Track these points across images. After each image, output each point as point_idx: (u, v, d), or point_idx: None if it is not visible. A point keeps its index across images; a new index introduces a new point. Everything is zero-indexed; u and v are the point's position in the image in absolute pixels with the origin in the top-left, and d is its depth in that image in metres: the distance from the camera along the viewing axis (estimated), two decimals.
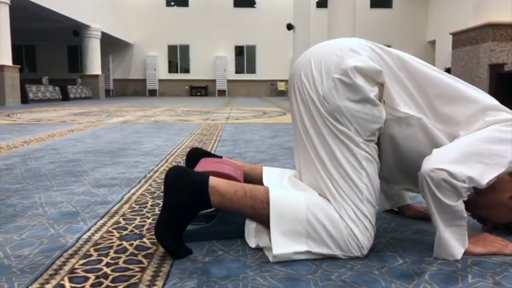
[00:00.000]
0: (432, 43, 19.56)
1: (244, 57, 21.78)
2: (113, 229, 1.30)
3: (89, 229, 1.29)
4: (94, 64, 16.33)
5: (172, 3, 21.53)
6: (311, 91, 1.12)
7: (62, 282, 0.93)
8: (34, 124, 5.13)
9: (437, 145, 1.12)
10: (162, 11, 21.23)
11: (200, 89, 21.33)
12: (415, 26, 20.30)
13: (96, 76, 16.40)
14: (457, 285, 0.92)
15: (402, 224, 1.36)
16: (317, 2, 19.65)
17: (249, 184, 1.15)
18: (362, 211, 1.06)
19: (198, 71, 21.49)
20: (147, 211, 1.48)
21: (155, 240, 1.15)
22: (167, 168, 2.26)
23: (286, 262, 1.04)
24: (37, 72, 19.48)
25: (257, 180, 1.31)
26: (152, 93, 21.22)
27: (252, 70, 21.77)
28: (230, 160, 1.37)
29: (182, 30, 21.00)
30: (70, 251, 1.11)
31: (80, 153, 2.81)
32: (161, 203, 1.32)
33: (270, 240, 1.06)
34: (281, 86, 20.75)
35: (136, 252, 1.11)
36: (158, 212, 1.43)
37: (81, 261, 1.04)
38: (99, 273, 0.97)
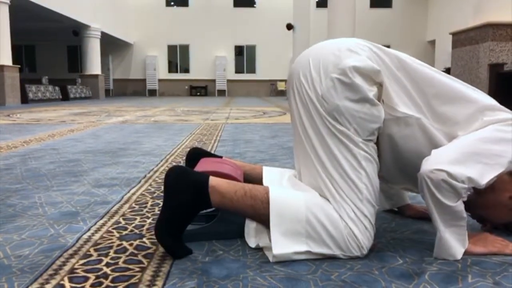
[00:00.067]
0: (432, 43, 19.56)
1: (244, 57, 21.78)
2: (113, 229, 1.30)
3: (89, 229, 1.29)
4: (94, 64, 16.33)
5: (172, 3, 21.52)
6: (309, 91, 1.12)
7: (62, 282, 0.93)
8: (34, 124, 5.13)
9: (436, 145, 1.12)
10: (162, 11, 21.23)
11: (200, 89, 21.32)
12: (415, 26, 20.30)
13: (96, 76, 16.40)
14: (457, 285, 0.92)
15: (402, 224, 1.36)
16: (317, 2, 19.64)
17: (249, 184, 1.15)
18: (362, 210, 1.06)
19: (198, 71, 21.49)
20: (147, 211, 1.48)
21: (155, 240, 1.15)
22: (167, 168, 2.26)
23: (286, 262, 1.04)
24: (37, 72, 19.47)
25: (257, 180, 1.31)
26: (152, 93, 21.22)
27: (252, 70, 21.77)
28: (230, 160, 1.37)
29: (182, 30, 21.00)
30: (70, 251, 1.11)
31: (80, 153, 2.81)
32: (161, 203, 1.32)
33: (270, 240, 1.07)
34: (281, 86, 20.75)
35: (136, 252, 1.11)
36: (158, 212, 1.43)
37: (81, 261, 1.04)
38: (99, 273, 0.98)
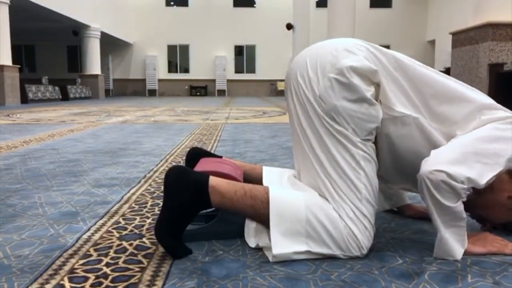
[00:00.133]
0: (432, 42, 19.56)
1: (244, 57, 21.78)
2: (113, 229, 1.30)
3: (89, 229, 1.29)
4: (93, 64, 16.33)
5: (172, 3, 21.52)
6: (307, 91, 1.12)
7: (62, 282, 0.93)
8: (33, 124, 5.13)
9: (434, 144, 1.12)
10: (162, 11, 21.23)
11: (200, 89, 21.32)
12: (414, 25, 20.30)
13: (96, 76, 16.39)
14: (457, 285, 0.92)
15: (402, 224, 1.36)
16: (316, 2, 19.63)
17: (249, 184, 1.15)
18: (361, 210, 1.06)
19: (197, 71, 21.49)
20: (146, 211, 1.48)
21: (155, 240, 1.15)
22: (167, 168, 2.26)
23: (286, 262, 1.04)
24: (37, 72, 19.47)
25: (257, 180, 1.31)
26: (152, 93, 21.22)
27: (251, 70, 21.77)
28: (230, 160, 1.37)
29: (181, 30, 21.00)
30: (70, 251, 1.11)
31: (80, 153, 2.81)
32: (161, 203, 1.32)
33: (270, 240, 1.07)
34: (280, 86, 20.75)
35: (136, 252, 1.11)
36: (158, 212, 1.43)
37: (81, 261, 1.05)
38: (99, 273, 0.98)
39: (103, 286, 0.91)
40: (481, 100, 1.15)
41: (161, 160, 2.54)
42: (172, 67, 21.84)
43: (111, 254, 1.09)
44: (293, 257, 1.05)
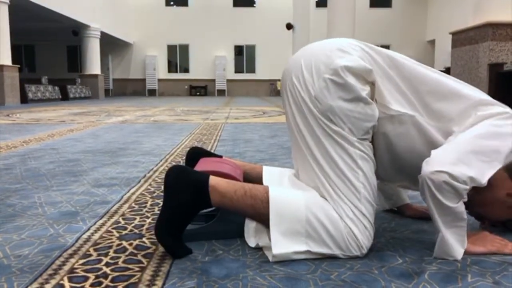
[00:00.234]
0: (432, 42, 19.56)
1: (244, 56, 21.77)
2: (113, 228, 1.30)
3: (88, 229, 1.29)
4: (93, 64, 16.32)
5: (172, 3, 21.51)
6: (302, 92, 1.12)
7: (61, 282, 0.93)
8: (33, 124, 5.12)
9: (431, 141, 1.12)
10: (162, 10, 21.22)
11: (200, 89, 21.31)
12: (414, 25, 20.29)
13: (96, 76, 16.39)
14: (457, 285, 0.92)
15: (402, 224, 1.36)
16: (316, 2, 19.62)
17: (249, 184, 1.15)
18: (361, 210, 1.06)
19: (197, 71, 21.48)
20: (146, 211, 1.48)
21: (155, 240, 1.15)
22: (166, 168, 2.26)
23: (286, 261, 1.04)
24: (37, 72, 19.46)
25: (257, 179, 1.31)
26: (152, 92, 21.21)
27: (251, 69, 21.76)
28: (230, 159, 1.37)
29: (181, 30, 20.99)
30: (69, 251, 1.11)
31: (80, 153, 2.81)
32: (161, 202, 1.32)
33: (269, 240, 1.07)
34: (280, 86, 20.72)
35: (135, 251, 1.11)
36: (158, 212, 1.43)
37: (81, 261, 1.04)
38: (98, 273, 0.97)
39: (103, 285, 0.91)
40: (477, 96, 1.15)
41: (161, 160, 2.54)
42: (172, 67, 21.83)
43: (111, 254, 1.09)
44: (293, 257, 1.05)
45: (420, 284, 0.92)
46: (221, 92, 21.20)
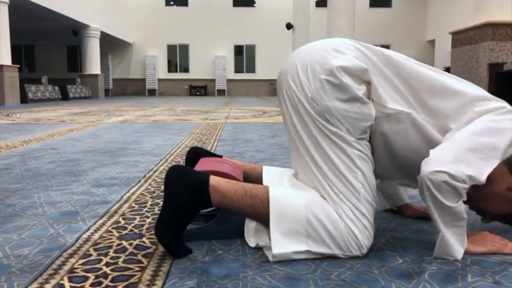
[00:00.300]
0: (432, 42, 19.56)
1: (244, 56, 21.77)
2: (113, 228, 1.30)
3: (88, 229, 1.29)
4: (93, 64, 16.32)
5: (172, 3, 21.50)
6: (299, 94, 1.13)
7: (61, 281, 0.93)
8: (33, 124, 5.12)
9: (429, 138, 1.12)
10: (162, 10, 21.21)
11: (200, 89, 21.31)
12: (414, 25, 20.29)
13: (96, 75, 16.39)
14: (457, 284, 0.92)
15: (402, 224, 1.36)
16: (316, 2, 19.62)
17: (249, 184, 1.15)
18: (360, 210, 1.06)
19: (197, 71, 21.48)
20: (146, 211, 1.48)
21: (155, 240, 1.15)
22: (166, 168, 2.26)
23: (286, 261, 1.04)
24: (37, 71, 19.46)
25: (257, 179, 1.31)
26: (152, 92, 21.21)
27: (251, 69, 21.76)
28: (230, 159, 1.37)
29: (181, 30, 20.98)
30: (69, 251, 1.11)
31: (80, 153, 2.81)
32: (161, 202, 1.32)
33: (269, 240, 1.07)
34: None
35: (135, 251, 1.11)
36: (158, 212, 1.43)
37: (81, 261, 1.04)
38: (98, 273, 0.97)
39: (103, 285, 0.91)
40: (473, 92, 1.15)
41: (161, 160, 2.54)
42: (171, 67, 21.82)
43: (111, 253, 1.09)
44: (293, 256, 1.05)
45: (420, 284, 0.92)
46: (221, 92, 21.20)
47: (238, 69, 21.72)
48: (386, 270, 1.00)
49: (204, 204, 1.10)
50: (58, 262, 1.04)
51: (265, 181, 1.28)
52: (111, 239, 1.20)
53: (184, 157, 1.44)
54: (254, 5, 21.45)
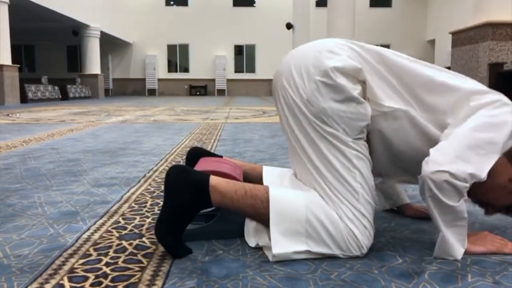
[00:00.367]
0: (432, 42, 19.56)
1: (244, 56, 21.76)
2: (113, 228, 1.30)
3: (88, 229, 1.29)
4: (93, 64, 16.32)
5: (172, 3, 21.50)
6: (294, 96, 1.13)
7: (61, 281, 0.93)
8: (33, 124, 5.12)
9: (427, 134, 1.12)
10: (162, 10, 21.21)
11: (200, 89, 21.31)
12: (414, 25, 20.29)
13: (96, 75, 16.39)
14: (457, 284, 0.92)
15: (402, 224, 1.36)
16: (316, 1, 19.61)
17: (250, 184, 1.15)
18: (360, 210, 1.06)
19: (197, 71, 21.48)
20: (146, 211, 1.48)
21: (155, 240, 1.15)
22: (166, 168, 2.26)
23: (286, 261, 1.04)
24: (36, 71, 19.46)
25: (257, 179, 1.31)
26: (152, 92, 21.21)
27: (251, 69, 21.76)
28: (230, 159, 1.37)
29: (181, 30, 20.98)
30: (69, 251, 1.11)
31: (80, 153, 2.81)
32: (161, 202, 1.32)
33: (270, 240, 1.07)
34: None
35: (135, 251, 1.11)
36: (158, 212, 1.43)
37: (81, 261, 1.04)
38: (98, 273, 0.97)
39: (103, 285, 0.91)
40: (469, 86, 1.14)
41: (161, 160, 2.53)
42: (171, 67, 21.82)
43: (111, 253, 1.09)
44: (292, 256, 1.05)
45: (420, 284, 0.92)
46: (221, 92, 21.20)
47: (238, 69, 21.72)
48: (386, 270, 1.00)
49: (204, 204, 1.10)
50: (58, 262, 1.04)
51: (265, 181, 1.28)
52: (111, 239, 1.20)
53: (184, 157, 1.44)
54: (254, 5, 21.44)
